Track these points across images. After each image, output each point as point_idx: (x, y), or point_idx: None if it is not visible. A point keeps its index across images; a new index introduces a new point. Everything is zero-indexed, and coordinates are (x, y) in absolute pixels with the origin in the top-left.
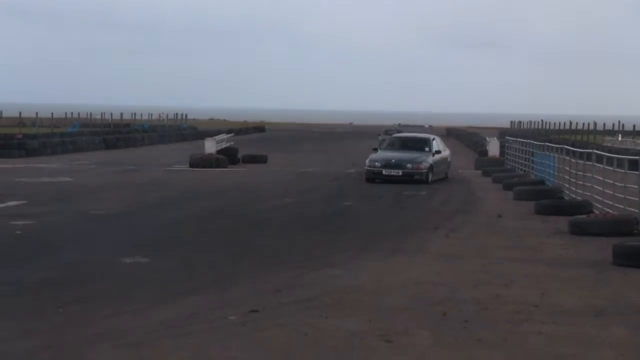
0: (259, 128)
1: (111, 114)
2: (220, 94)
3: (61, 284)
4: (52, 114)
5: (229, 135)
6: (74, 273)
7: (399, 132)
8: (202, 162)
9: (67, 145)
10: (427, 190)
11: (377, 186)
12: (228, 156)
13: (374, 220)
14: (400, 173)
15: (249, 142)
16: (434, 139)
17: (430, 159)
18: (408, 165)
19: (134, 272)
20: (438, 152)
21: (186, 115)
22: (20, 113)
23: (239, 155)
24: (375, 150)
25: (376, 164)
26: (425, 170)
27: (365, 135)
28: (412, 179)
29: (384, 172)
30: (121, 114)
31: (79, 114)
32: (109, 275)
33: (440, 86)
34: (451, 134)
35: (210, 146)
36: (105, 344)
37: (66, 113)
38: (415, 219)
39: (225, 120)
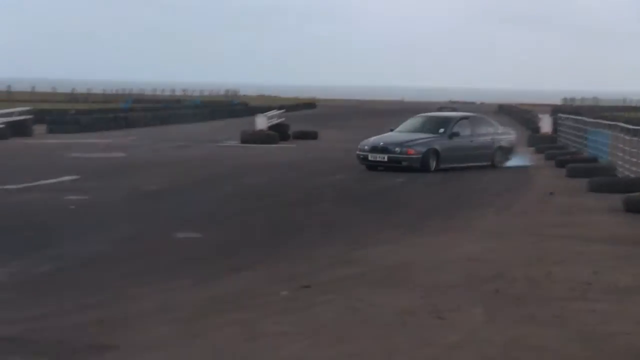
0: (309, 104)
1: (163, 90)
2: (272, 70)
3: (114, 258)
4: (104, 89)
5: (280, 111)
6: (126, 248)
7: (454, 109)
8: (253, 138)
9: (119, 121)
10: (478, 167)
11: None
12: (279, 132)
13: (425, 197)
14: (386, 158)
15: (300, 119)
16: (462, 119)
17: (438, 143)
18: (396, 149)
19: (186, 247)
20: (456, 134)
21: (237, 91)
22: (73, 89)
23: (290, 132)
24: (392, 131)
25: (365, 147)
26: (418, 156)
27: (417, 112)
28: (399, 165)
29: (369, 157)
30: (173, 90)
31: (131, 90)
32: (161, 250)
33: (492, 63)
34: (503, 111)
35: (262, 122)
36: (159, 318)
37: (117, 89)
38: (467, 196)
39: (276, 96)
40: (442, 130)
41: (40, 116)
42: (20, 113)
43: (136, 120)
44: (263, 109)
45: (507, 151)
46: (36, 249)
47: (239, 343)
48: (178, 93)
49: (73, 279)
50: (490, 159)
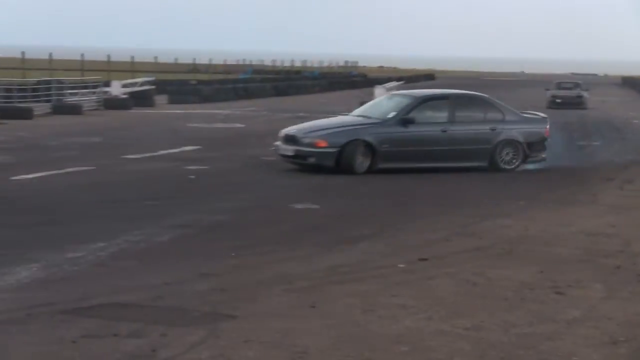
0: (429, 76)
1: (282, 61)
2: (393, 41)
3: (234, 228)
4: (225, 60)
5: (399, 82)
6: (246, 218)
7: (577, 83)
8: None
9: (239, 92)
10: (601, 141)
11: None
12: None
13: (545, 170)
14: (293, 152)
15: None
16: (432, 99)
17: (373, 132)
18: (305, 140)
19: (304, 218)
20: (410, 120)
21: (356, 62)
22: (194, 59)
23: None
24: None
25: (280, 135)
26: (332, 150)
27: (538, 84)
28: (305, 162)
29: (280, 149)
30: (292, 61)
31: (251, 60)
32: (280, 220)
33: (616, 34)
34: (627, 84)
35: (380, 94)
36: (277, 288)
37: (238, 60)
38: (588, 170)
39: (395, 67)
40: (392, 114)
41: (162, 87)
42: (143, 83)
43: (255, 91)
44: (382, 80)
45: (528, 147)
46: (157, 218)
47: (357, 315)
48: (297, 64)
49: (193, 247)
50: (487, 157)
